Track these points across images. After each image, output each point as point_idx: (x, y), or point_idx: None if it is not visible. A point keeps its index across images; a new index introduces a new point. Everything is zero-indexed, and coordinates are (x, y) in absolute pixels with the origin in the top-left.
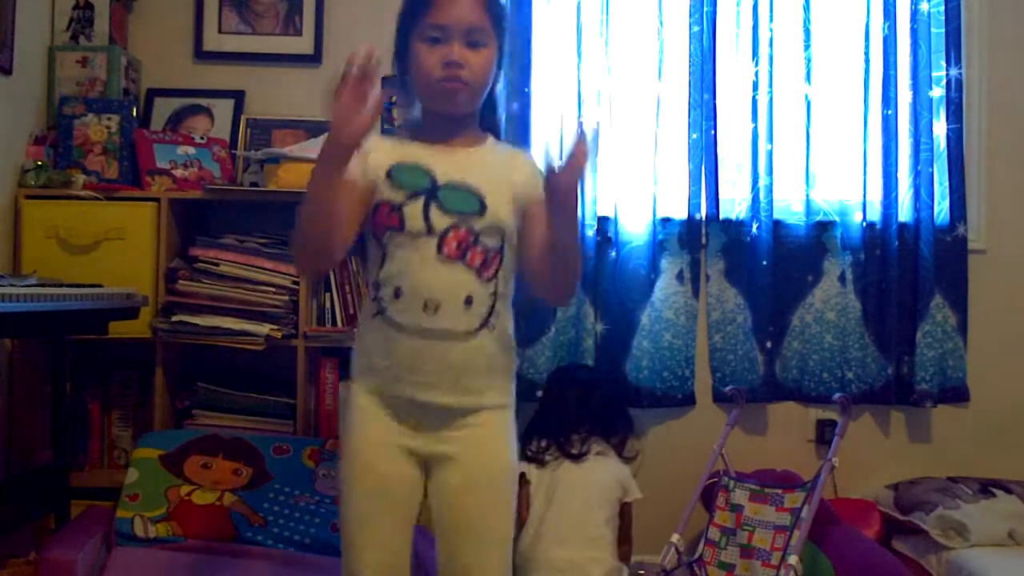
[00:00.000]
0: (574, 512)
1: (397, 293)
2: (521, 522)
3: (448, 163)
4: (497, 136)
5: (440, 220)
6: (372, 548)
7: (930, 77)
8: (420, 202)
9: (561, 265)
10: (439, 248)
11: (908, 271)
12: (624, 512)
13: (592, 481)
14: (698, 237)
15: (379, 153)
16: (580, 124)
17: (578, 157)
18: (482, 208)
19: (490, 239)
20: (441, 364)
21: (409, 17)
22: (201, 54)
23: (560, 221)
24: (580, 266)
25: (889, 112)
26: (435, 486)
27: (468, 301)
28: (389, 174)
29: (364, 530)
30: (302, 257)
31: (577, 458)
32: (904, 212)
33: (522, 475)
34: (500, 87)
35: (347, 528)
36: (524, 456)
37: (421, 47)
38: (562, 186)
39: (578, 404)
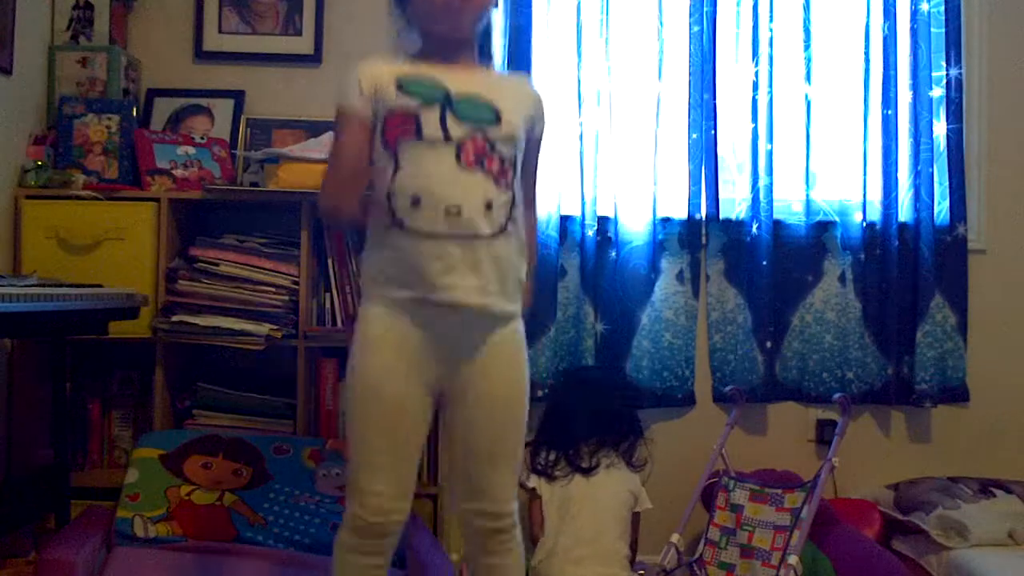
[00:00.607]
0: (587, 528)
1: (415, 201)
2: (534, 539)
3: (458, 78)
4: (486, 58)
5: (457, 129)
6: (379, 472)
7: (930, 77)
8: (436, 110)
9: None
10: (457, 156)
11: (908, 271)
12: (633, 522)
13: (604, 495)
14: (698, 237)
15: (380, 71)
16: None
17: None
18: (497, 118)
19: (505, 148)
20: (468, 264)
21: None
22: (201, 54)
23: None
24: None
25: (889, 112)
26: (456, 408)
27: (488, 206)
28: (400, 85)
29: (370, 451)
30: (334, 197)
31: (588, 472)
32: (904, 212)
33: (533, 490)
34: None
35: (354, 452)
36: (534, 469)
37: None
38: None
39: (586, 414)
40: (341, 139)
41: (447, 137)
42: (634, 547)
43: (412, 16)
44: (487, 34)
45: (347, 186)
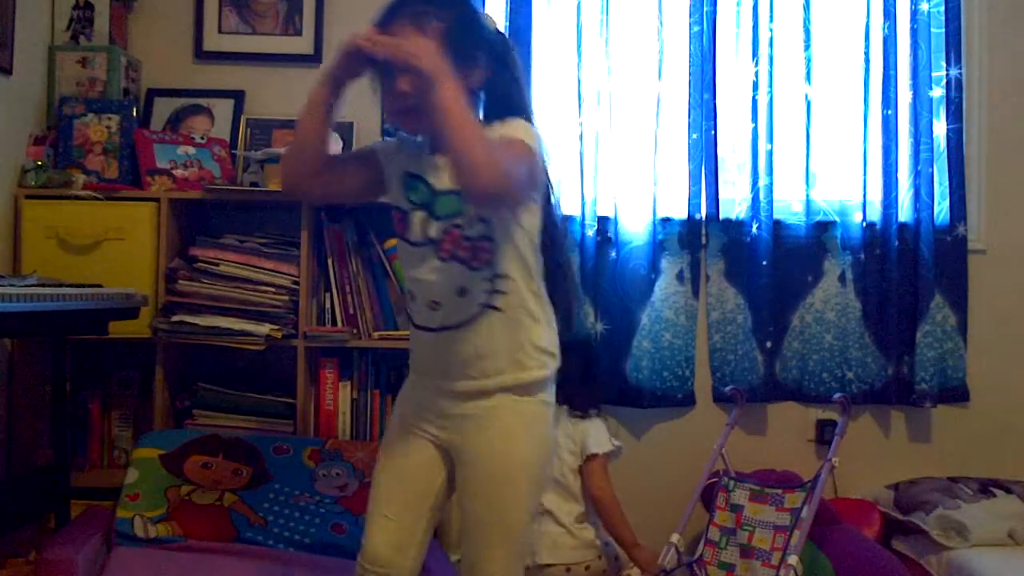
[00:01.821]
0: None
1: (412, 296)
2: None
3: (441, 170)
4: (523, 117)
5: (435, 229)
6: (382, 520)
7: (930, 77)
8: (422, 214)
9: (452, 140)
10: (437, 254)
11: (908, 271)
12: (583, 472)
13: None
14: (698, 237)
15: (394, 156)
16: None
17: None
18: (463, 206)
19: (473, 229)
20: (450, 354)
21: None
22: (201, 54)
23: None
24: (479, 137)
25: (889, 112)
26: (456, 480)
27: (461, 292)
28: (404, 182)
29: (377, 501)
30: (283, 165)
31: None
32: (904, 212)
33: None
34: (515, 65)
35: (371, 501)
36: None
37: (378, 78)
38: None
39: None
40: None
41: (428, 239)
42: (586, 499)
43: None
44: (497, 96)
45: (293, 155)
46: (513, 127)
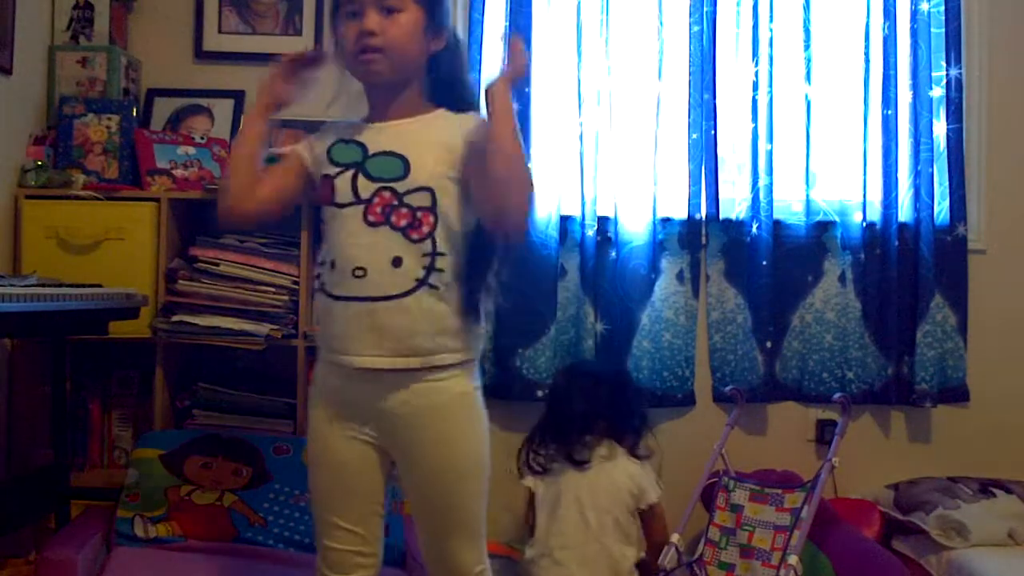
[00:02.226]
0: (572, 526)
1: (332, 265)
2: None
3: (383, 135)
4: (461, 108)
5: (366, 188)
6: (334, 526)
7: (930, 77)
8: (350, 173)
9: (505, 182)
10: (364, 215)
11: (908, 271)
12: (643, 520)
13: (598, 491)
14: (698, 237)
15: (326, 136)
16: (508, 36)
17: (513, 62)
18: (406, 170)
19: (417, 199)
20: (364, 326)
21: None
22: (201, 54)
23: (496, 130)
24: (528, 182)
25: (889, 112)
26: (401, 475)
27: (396, 262)
28: (328, 151)
29: (323, 513)
30: (220, 195)
31: (580, 464)
32: (904, 212)
33: (528, 488)
34: (465, 56)
35: (312, 506)
36: (528, 467)
37: (343, 24)
38: (494, 89)
39: (584, 405)
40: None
41: (357, 198)
42: (650, 547)
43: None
44: (445, 77)
45: (230, 198)
46: (480, 120)
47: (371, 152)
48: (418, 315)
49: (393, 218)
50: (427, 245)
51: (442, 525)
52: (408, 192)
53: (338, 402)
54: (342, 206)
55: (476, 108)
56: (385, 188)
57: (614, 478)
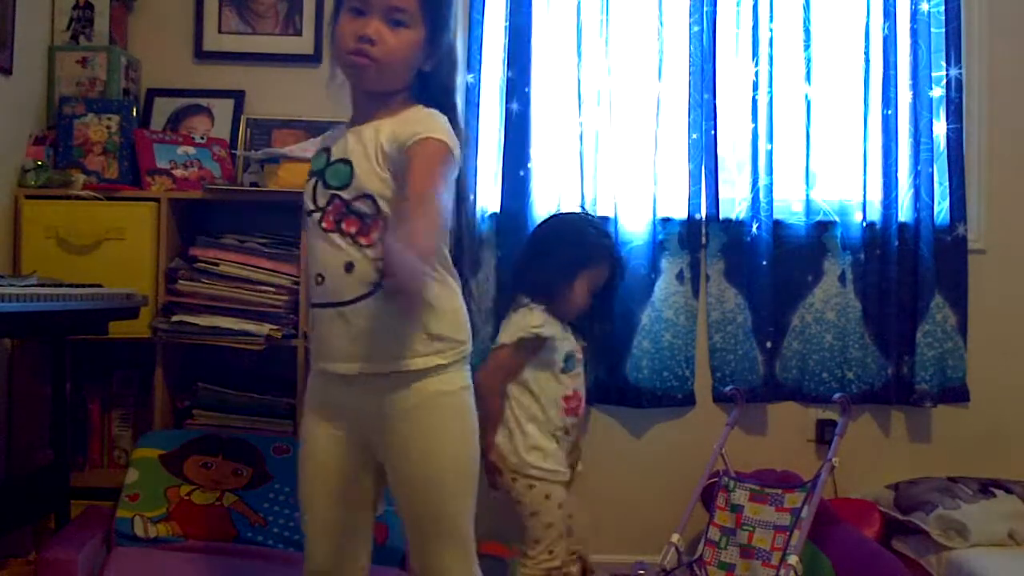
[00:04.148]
0: None
1: (309, 272)
2: None
3: (346, 142)
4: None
5: (322, 197)
6: (320, 531)
7: (930, 77)
8: (312, 182)
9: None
10: (320, 223)
11: (908, 271)
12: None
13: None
14: (698, 237)
15: (322, 142)
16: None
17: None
18: (350, 178)
19: (364, 206)
20: (334, 332)
21: None
22: (201, 54)
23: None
24: (426, 253)
25: (889, 112)
26: (389, 479)
27: (348, 268)
28: (315, 160)
29: (309, 513)
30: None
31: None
32: (904, 212)
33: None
34: (462, 78)
35: (301, 510)
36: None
37: (344, 16)
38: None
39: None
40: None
41: (316, 207)
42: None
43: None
44: (432, 93)
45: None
46: (433, 122)
47: (332, 160)
48: (374, 320)
49: (344, 225)
50: (376, 251)
51: (424, 529)
52: (353, 199)
53: (324, 403)
54: (308, 213)
55: (452, 111)
56: (335, 196)
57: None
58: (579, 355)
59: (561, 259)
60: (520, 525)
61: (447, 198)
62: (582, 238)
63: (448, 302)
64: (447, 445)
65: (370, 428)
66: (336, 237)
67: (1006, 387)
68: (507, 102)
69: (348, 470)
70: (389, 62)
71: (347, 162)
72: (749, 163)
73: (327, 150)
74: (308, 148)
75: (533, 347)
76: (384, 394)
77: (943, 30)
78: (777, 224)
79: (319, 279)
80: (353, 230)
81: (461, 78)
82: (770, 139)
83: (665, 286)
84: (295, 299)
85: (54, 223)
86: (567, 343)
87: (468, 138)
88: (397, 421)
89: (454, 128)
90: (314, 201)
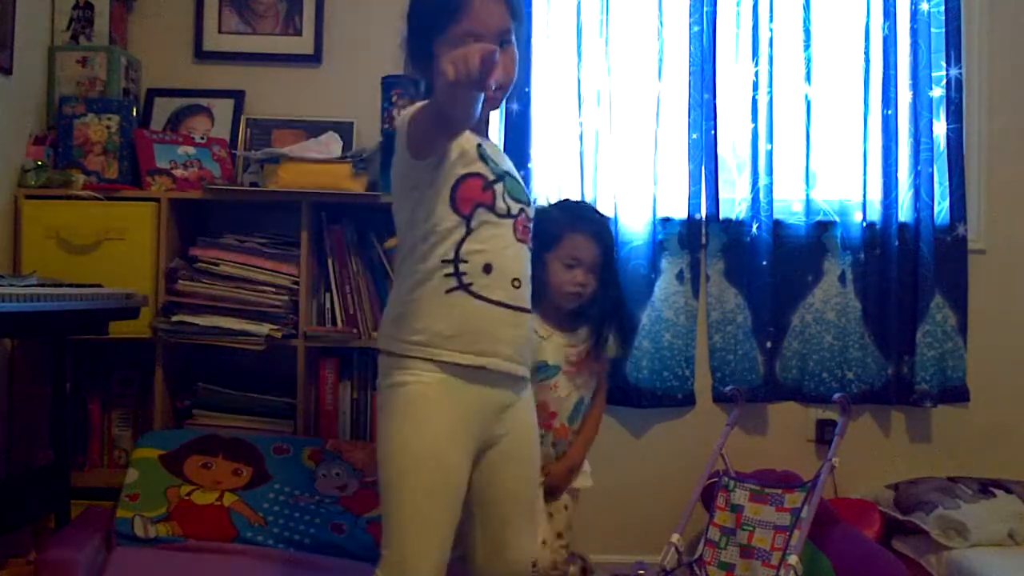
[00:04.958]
0: None
1: (487, 269)
2: None
3: (498, 154)
4: None
5: (513, 205)
6: (432, 548)
7: (930, 77)
8: (502, 185)
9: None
10: (515, 231)
11: (908, 271)
12: None
13: None
14: (698, 237)
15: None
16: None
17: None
18: (529, 198)
19: (527, 213)
20: (521, 336)
21: (431, 21)
22: (201, 54)
23: None
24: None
25: (889, 112)
26: (483, 465)
27: (528, 280)
28: (480, 150)
29: (425, 530)
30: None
31: None
32: (904, 212)
33: None
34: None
35: (404, 527)
36: None
37: (458, 46)
38: None
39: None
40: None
41: (509, 212)
42: None
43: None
44: None
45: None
46: None
47: (499, 169)
48: (531, 328)
49: (523, 235)
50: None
51: (516, 511)
52: (530, 218)
53: (468, 413)
54: (501, 215)
55: None
56: (523, 209)
57: None
58: (568, 364)
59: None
60: None
61: None
62: (538, 223)
63: None
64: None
65: (494, 422)
66: (525, 249)
67: (1006, 387)
68: (507, 102)
69: (466, 478)
70: (510, 83)
71: (520, 180)
72: (749, 163)
73: (480, 146)
74: (309, 148)
75: None
76: (516, 393)
77: (943, 30)
78: (777, 224)
79: (517, 283)
80: (526, 238)
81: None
82: (770, 139)
83: (665, 286)
84: (295, 299)
85: (54, 223)
86: (545, 353)
87: None
88: (515, 412)
89: None
90: (507, 209)
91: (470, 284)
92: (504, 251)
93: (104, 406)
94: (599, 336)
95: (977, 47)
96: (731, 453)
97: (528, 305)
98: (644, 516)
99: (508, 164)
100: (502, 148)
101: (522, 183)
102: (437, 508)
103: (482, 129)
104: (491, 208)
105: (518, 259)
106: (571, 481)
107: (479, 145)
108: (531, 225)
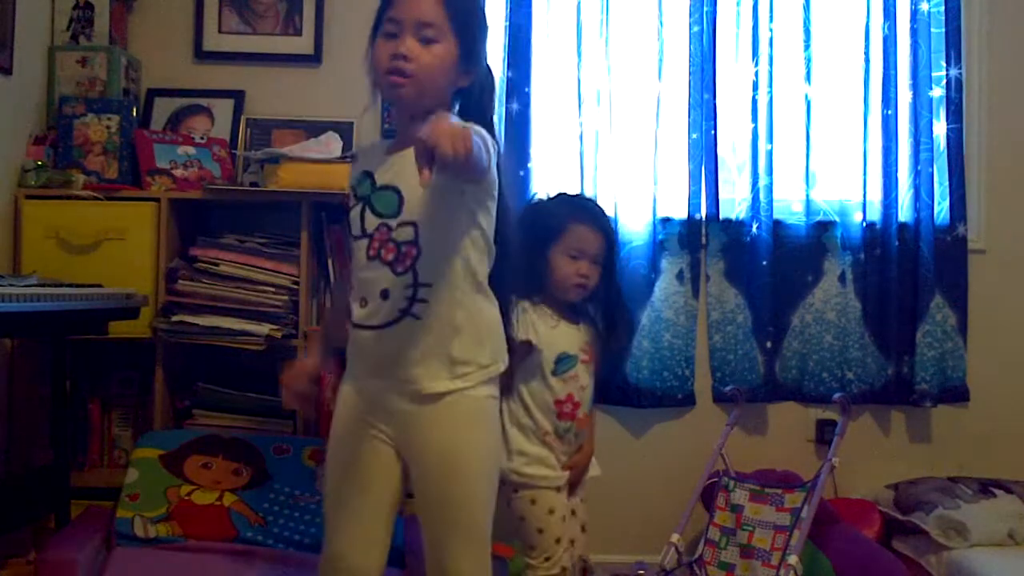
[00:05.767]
0: None
1: (352, 292)
2: None
3: (392, 166)
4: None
5: (371, 223)
6: (344, 522)
7: (930, 77)
8: (359, 207)
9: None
10: (367, 249)
11: (908, 271)
12: None
13: None
14: (698, 237)
15: (357, 164)
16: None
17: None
18: (399, 207)
19: (402, 234)
20: (372, 353)
21: (377, 14)
22: (201, 54)
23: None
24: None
25: (889, 112)
26: (411, 480)
27: (384, 295)
28: (358, 179)
29: (335, 505)
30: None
31: None
32: (904, 212)
33: None
34: (499, 87)
35: (324, 504)
36: None
37: (379, 41)
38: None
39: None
40: None
41: (363, 232)
42: None
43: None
44: (474, 107)
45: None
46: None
47: (378, 185)
48: (406, 343)
49: (383, 253)
50: (408, 277)
51: (442, 528)
52: (396, 227)
53: (366, 401)
54: (356, 238)
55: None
56: (382, 225)
57: None
58: (583, 353)
59: (529, 245)
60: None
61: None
62: (538, 216)
63: (475, 328)
64: (479, 442)
65: (410, 427)
66: (377, 264)
67: (1006, 387)
68: (507, 102)
69: (391, 476)
70: (424, 76)
71: (394, 189)
72: (749, 163)
73: (369, 174)
74: (309, 148)
75: (521, 352)
76: (408, 407)
77: (943, 30)
78: (777, 224)
79: (363, 303)
80: (391, 258)
81: (497, 103)
82: (770, 139)
83: (665, 286)
84: (295, 299)
85: (54, 223)
86: (561, 342)
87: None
88: (429, 419)
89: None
90: (362, 228)
91: (351, 306)
92: (357, 273)
93: (104, 406)
94: (610, 321)
95: (977, 47)
96: (731, 453)
97: (384, 318)
98: (644, 516)
99: (393, 176)
100: (502, 148)
101: (395, 191)
102: (341, 485)
103: (403, 132)
104: (351, 233)
105: (367, 278)
106: (587, 472)
107: (362, 172)
108: (393, 233)
